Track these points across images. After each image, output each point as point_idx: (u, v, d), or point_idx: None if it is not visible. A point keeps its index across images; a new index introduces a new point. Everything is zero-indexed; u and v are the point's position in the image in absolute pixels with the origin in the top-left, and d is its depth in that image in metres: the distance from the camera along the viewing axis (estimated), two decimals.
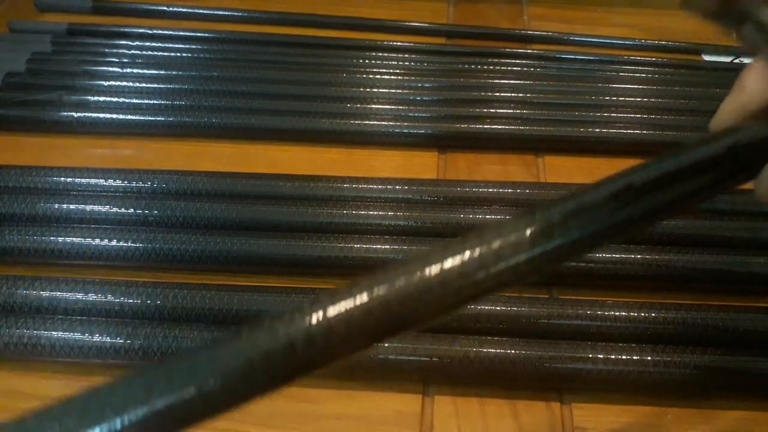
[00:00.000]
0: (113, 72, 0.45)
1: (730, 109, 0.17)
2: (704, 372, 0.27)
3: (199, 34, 0.51)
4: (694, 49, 0.51)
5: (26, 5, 0.55)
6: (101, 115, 0.42)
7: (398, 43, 0.51)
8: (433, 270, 0.13)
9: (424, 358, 0.27)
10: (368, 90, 0.44)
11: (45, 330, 0.28)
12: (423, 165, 0.40)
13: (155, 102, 0.43)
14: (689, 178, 0.15)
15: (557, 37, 0.53)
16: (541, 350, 0.27)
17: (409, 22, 0.54)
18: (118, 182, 0.36)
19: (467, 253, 0.14)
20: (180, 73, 0.45)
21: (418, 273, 0.13)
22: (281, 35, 0.51)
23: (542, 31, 0.53)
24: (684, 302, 0.30)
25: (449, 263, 0.13)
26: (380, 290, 0.13)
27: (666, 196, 0.14)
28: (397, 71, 0.47)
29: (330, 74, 0.46)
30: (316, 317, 0.13)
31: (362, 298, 0.13)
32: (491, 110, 0.43)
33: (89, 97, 0.42)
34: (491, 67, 0.48)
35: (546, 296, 0.31)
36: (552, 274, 0.32)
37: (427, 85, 0.45)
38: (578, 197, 0.14)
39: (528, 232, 0.14)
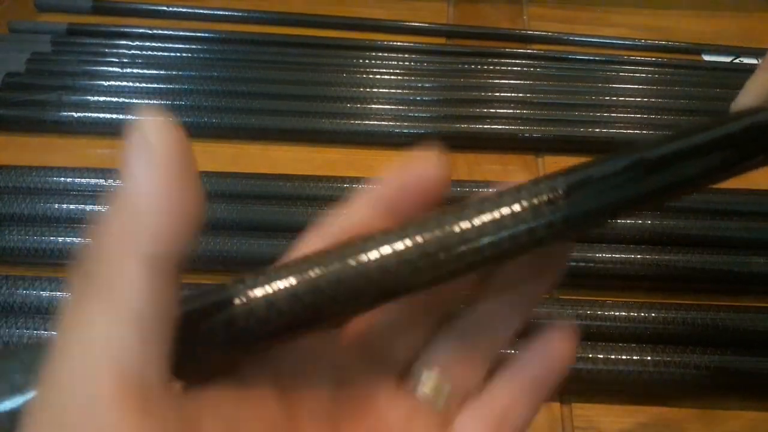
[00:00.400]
0: (113, 72, 0.45)
1: (755, 88, 0.17)
2: (704, 372, 0.27)
3: (199, 34, 0.51)
4: (694, 49, 0.51)
5: (26, 5, 0.55)
6: (101, 115, 0.42)
7: (398, 43, 0.51)
8: (433, 233, 0.13)
9: None
10: (368, 90, 0.44)
11: (45, 330, 0.28)
12: None
13: (155, 102, 0.43)
14: (704, 155, 0.14)
15: (557, 37, 0.53)
16: None
17: (409, 22, 0.53)
18: (118, 182, 0.35)
19: (465, 223, 0.13)
20: (180, 73, 0.45)
21: (412, 240, 0.13)
22: (281, 35, 0.51)
23: (542, 31, 0.53)
24: (684, 302, 0.30)
25: (449, 228, 0.13)
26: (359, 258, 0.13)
27: (678, 173, 0.14)
28: (397, 71, 0.47)
29: (330, 74, 0.46)
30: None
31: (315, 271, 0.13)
32: (491, 110, 0.43)
33: (89, 97, 0.42)
34: (491, 67, 0.48)
35: (546, 296, 0.31)
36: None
37: (427, 85, 0.45)
38: (588, 169, 0.14)
39: (532, 201, 0.13)
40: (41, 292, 0.30)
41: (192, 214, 0.11)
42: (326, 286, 0.13)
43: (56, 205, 0.34)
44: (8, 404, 0.11)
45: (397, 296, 0.14)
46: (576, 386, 0.28)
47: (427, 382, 0.15)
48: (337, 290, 0.13)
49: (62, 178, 0.36)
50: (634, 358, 0.27)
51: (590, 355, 0.27)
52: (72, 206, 0.34)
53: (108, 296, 0.10)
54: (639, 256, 0.31)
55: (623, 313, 0.29)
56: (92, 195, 0.35)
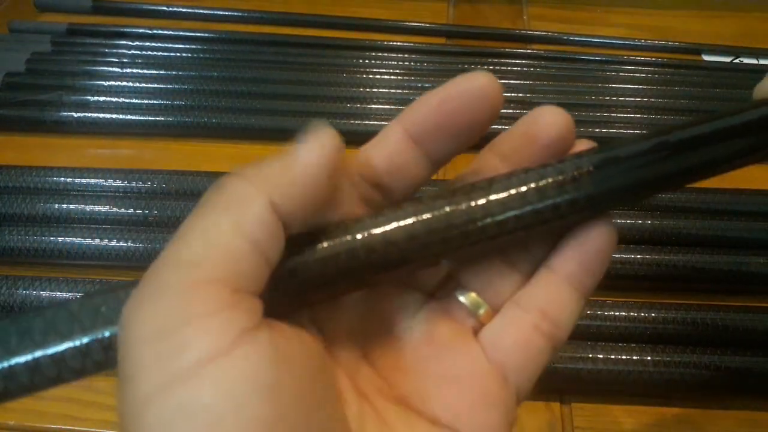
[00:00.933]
0: (113, 72, 0.45)
1: None
2: (704, 372, 0.27)
3: (198, 34, 0.51)
4: (693, 49, 0.51)
5: (26, 5, 0.55)
6: (101, 115, 0.41)
7: (398, 43, 0.51)
8: (460, 206, 0.14)
9: None
10: (368, 90, 0.44)
11: None
12: None
13: (155, 102, 0.43)
14: (728, 139, 0.14)
15: (557, 37, 0.53)
16: None
17: (409, 22, 0.53)
18: (118, 182, 0.36)
19: (493, 196, 0.14)
20: (180, 73, 0.45)
21: (443, 209, 0.14)
22: (281, 35, 0.51)
23: (542, 31, 0.53)
24: (684, 302, 0.30)
25: (475, 202, 0.14)
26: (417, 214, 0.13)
27: (700, 156, 0.14)
28: (397, 71, 0.47)
29: (330, 74, 0.46)
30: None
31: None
32: None
33: (89, 97, 0.42)
34: (491, 68, 0.48)
35: None
36: None
37: (427, 85, 0.45)
38: (613, 149, 0.14)
39: (558, 178, 0.14)
40: (41, 293, 0.30)
41: (320, 196, 0.13)
42: (361, 252, 0.13)
43: (56, 205, 0.34)
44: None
45: (419, 264, 0.14)
46: (576, 386, 0.28)
47: (462, 302, 0.15)
48: (369, 258, 0.13)
49: (62, 178, 0.36)
50: (634, 358, 0.27)
51: (590, 355, 0.27)
52: (72, 206, 0.34)
53: (236, 212, 0.12)
54: (639, 256, 0.31)
55: (623, 313, 0.29)
56: (92, 195, 0.35)
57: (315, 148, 0.13)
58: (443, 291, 0.15)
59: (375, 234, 0.13)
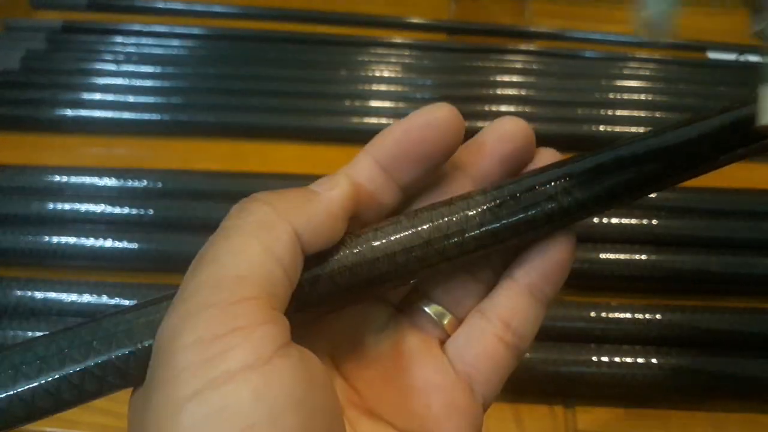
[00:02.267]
0: (108, 69, 0.45)
1: None
2: (711, 375, 0.27)
3: (194, 31, 0.50)
4: (698, 46, 0.51)
5: (21, 2, 0.54)
6: (96, 113, 0.41)
7: (398, 40, 0.50)
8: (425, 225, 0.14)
9: None
10: (367, 87, 0.44)
11: (40, 332, 0.28)
12: None
13: (151, 100, 0.42)
14: (686, 150, 0.15)
15: (559, 33, 0.52)
16: (544, 353, 0.27)
17: (409, 18, 0.53)
18: (113, 181, 0.35)
19: (475, 209, 0.14)
20: (175, 70, 0.45)
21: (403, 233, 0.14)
22: (278, 32, 0.51)
23: (544, 28, 0.53)
24: (690, 304, 0.29)
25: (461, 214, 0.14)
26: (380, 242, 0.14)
27: (667, 162, 0.14)
28: (397, 68, 0.46)
29: (328, 71, 0.45)
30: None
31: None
32: (492, 108, 0.42)
33: (84, 95, 0.42)
34: (493, 64, 0.47)
35: None
36: None
37: (427, 82, 0.45)
38: (580, 161, 0.15)
39: (545, 188, 0.14)
40: (35, 293, 0.30)
41: (336, 230, 0.14)
42: (343, 274, 0.14)
43: (51, 205, 0.33)
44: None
45: (394, 283, 0.14)
46: (580, 389, 0.27)
47: (427, 313, 0.16)
48: (349, 279, 0.14)
49: (57, 178, 0.35)
50: (639, 360, 0.27)
51: (594, 358, 0.27)
52: (67, 206, 0.33)
53: (266, 237, 0.12)
54: (644, 257, 0.31)
55: (628, 315, 0.28)
56: (87, 194, 0.35)
57: (337, 186, 0.14)
58: (410, 303, 0.16)
59: (356, 253, 0.14)
